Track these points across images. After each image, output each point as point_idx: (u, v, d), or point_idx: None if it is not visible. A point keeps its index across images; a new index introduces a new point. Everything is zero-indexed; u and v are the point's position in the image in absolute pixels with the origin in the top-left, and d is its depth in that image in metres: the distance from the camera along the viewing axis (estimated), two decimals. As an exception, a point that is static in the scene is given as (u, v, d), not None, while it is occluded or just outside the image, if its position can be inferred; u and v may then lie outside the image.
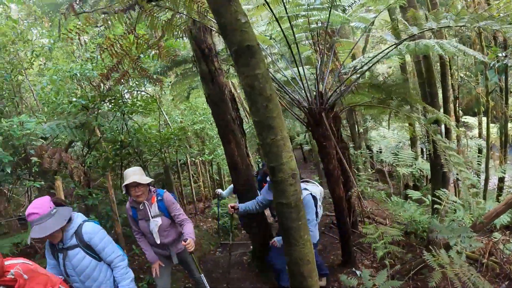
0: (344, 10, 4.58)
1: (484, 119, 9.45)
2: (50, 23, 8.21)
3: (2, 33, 5.54)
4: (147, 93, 7.38)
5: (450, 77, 8.09)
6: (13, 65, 5.48)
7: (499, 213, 4.30)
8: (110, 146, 6.00)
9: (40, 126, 4.53)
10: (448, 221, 4.87)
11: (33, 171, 4.48)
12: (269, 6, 3.66)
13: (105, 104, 5.74)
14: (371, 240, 4.14)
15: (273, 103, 2.42)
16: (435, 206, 5.46)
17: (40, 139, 5.10)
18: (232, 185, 6.36)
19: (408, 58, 10.30)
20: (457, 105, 9.37)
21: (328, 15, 4.15)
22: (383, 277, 3.45)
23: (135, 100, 6.21)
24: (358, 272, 4.60)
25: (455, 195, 6.92)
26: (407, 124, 8.33)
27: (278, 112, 2.44)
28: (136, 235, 3.53)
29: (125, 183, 3.15)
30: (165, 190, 3.45)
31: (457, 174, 4.54)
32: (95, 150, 5.85)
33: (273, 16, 3.72)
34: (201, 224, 8.20)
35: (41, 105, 6.33)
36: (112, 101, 5.71)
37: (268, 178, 5.38)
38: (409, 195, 7.04)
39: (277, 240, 3.79)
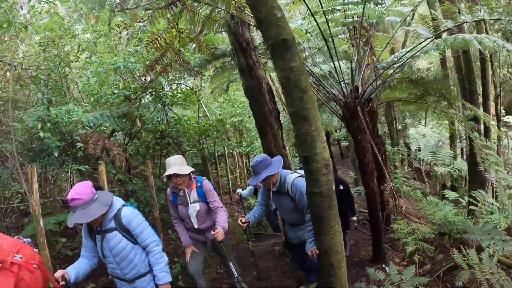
0: (376, 4, 4.55)
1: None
2: (95, 19, 8.64)
3: (50, 28, 5.91)
4: (187, 86, 7.62)
5: (491, 74, 7.75)
6: (60, 58, 5.80)
7: (535, 219, 4.12)
8: (150, 136, 6.26)
9: (85, 115, 4.81)
10: (482, 222, 4.72)
11: (78, 155, 4.77)
12: (304, 1, 3.72)
13: (146, 95, 6.00)
14: (401, 235, 4.09)
15: (308, 95, 2.51)
16: (471, 207, 5.24)
17: (86, 127, 5.40)
18: (251, 186, 6.31)
19: (448, 53, 9.93)
20: (498, 103, 8.95)
21: (362, 9, 4.14)
22: (410, 273, 3.44)
23: (175, 92, 6.45)
24: (387, 269, 4.57)
25: (493, 197, 6.65)
26: (446, 122, 8.08)
27: (312, 104, 2.52)
28: (174, 220, 3.66)
29: (166, 173, 3.28)
30: (204, 177, 3.55)
31: (493, 173, 4.40)
32: (136, 139, 6.12)
33: (308, 10, 3.77)
34: (236, 214, 8.41)
35: (85, 96, 6.70)
36: (153, 92, 5.96)
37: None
38: (446, 196, 6.83)
39: (310, 248, 3.39)
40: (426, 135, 12.03)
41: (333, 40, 4.20)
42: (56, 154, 4.35)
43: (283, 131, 5.08)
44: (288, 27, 2.59)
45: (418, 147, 11.70)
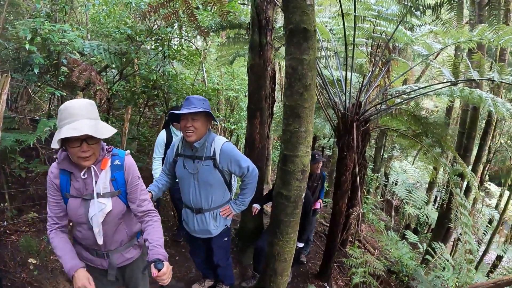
0: (411, 29, 4.40)
1: (507, 193, 9.13)
2: None
3: None
4: (195, 46, 7.32)
5: (491, 138, 7.75)
6: (70, -26, 5.43)
7: (484, 290, 4.11)
8: (141, 83, 5.99)
9: (79, 40, 4.53)
10: (433, 276, 4.75)
11: (59, 80, 4.51)
12: (339, -1, 3.53)
13: (150, 41, 5.71)
14: (353, 263, 4.05)
15: (309, 93, 2.34)
16: (427, 256, 5.39)
17: (77, 53, 5.10)
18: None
19: (456, 104, 9.94)
20: (486, 168, 9.04)
21: (394, 29, 3.98)
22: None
23: (180, 47, 6.18)
24: (328, 288, 4.53)
25: (450, 254, 6.74)
26: (431, 167, 8.15)
27: (310, 104, 2.36)
28: (51, 223, 1.85)
29: (65, 134, 1.53)
30: (127, 151, 1.91)
31: (460, 234, 4.40)
32: (125, 81, 5.83)
33: (340, 9, 3.57)
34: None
35: (89, 22, 6.34)
36: (158, 40, 5.68)
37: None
38: (407, 236, 6.89)
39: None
40: (407, 172, 12.17)
41: (353, 49, 4.03)
42: (36, 71, 4.08)
43: (272, 121, 4.88)
44: (314, 18, 2.41)
45: (396, 181, 11.83)
